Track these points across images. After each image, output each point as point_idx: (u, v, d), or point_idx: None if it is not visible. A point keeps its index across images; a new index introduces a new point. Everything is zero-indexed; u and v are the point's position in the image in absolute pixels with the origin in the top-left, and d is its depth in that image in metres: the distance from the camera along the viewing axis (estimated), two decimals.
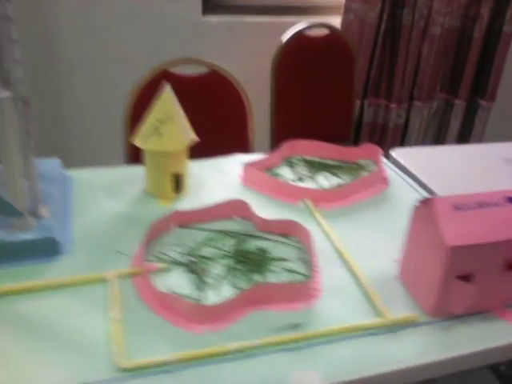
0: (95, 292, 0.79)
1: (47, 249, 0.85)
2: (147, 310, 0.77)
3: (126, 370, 0.66)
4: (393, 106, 2.23)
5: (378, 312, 0.78)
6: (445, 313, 0.76)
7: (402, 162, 1.26)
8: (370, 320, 0.76)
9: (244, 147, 1.47)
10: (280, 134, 1.83)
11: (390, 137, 2.33)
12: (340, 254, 0.90)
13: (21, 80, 0.78)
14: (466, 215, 0.71)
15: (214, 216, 0.97)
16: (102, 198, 1.05)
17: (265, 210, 1.02)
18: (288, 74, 1.85)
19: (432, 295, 0.75)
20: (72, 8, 1.78)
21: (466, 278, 0.74)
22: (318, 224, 0.99)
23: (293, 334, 0.72)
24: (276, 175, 1.15)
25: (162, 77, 1.32)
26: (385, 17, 2.05)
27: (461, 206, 0.71)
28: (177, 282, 0.82)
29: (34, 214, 0.89)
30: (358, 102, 2.22)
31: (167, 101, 0.98)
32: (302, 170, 1.19)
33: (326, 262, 0.89)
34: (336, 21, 2.08)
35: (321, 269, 0.86)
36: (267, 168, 1.18)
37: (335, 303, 0.80)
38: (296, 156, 1.25)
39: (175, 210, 0.94)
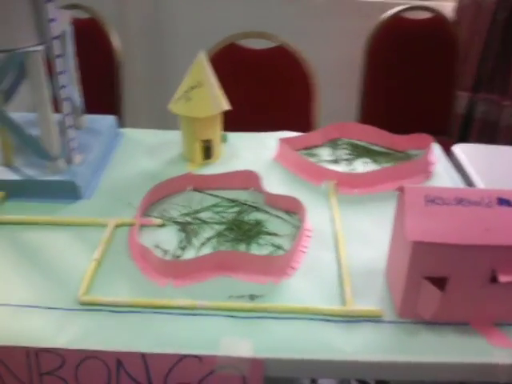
0: (94, 235, 0.87)
1: (67, 191, 0.95)
2: (128, 257, 0.82)
3: (82, 303, 0.73)
4: (506, 103, 2.00)
5: (343, 301, 0.74)
6: (413, 315, 0.70)
7: (460, 157, 1.14)
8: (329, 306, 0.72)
9: (306, 128, 1.44)
10: (367, 122, 1.76)
11: (501, 137, 2.10)
12: (336, 240, 0.86)
13: (53, 36, 0.88)
14: (439, 210, 0.63)
15: (227, 184, 0.99)
16: (141, 156, 1.12)
17: (285, 186, 1.01)
18: (381, 57, 1.76)
19: (399, 293, 0.69)
20: None
21: (440, 281, 0.67)
22: (330, 207, 0.95)
23: (245, 304, 0.72)
24: (311, 155, 1.13)
25: (228, 49, 1.35)
26: (505, 2, 1.83)
27: (434, 198, 0.64)
28: (166, 237, 0.87)
29: (67, 159, 0.99)
30: (467, 96, 2.03)
31: (200, 67, 1.01)
32: (344, 153, 1.15)
33: (320, 244, 0.86)
34: (448, 5, 1.91)
35: (308, 249, 0.84)
36: (306, 147, 1.15)
37: (306, 284, 0.77)
38: (344, 138, 1.20)
39: (188, 172, 0.98)
